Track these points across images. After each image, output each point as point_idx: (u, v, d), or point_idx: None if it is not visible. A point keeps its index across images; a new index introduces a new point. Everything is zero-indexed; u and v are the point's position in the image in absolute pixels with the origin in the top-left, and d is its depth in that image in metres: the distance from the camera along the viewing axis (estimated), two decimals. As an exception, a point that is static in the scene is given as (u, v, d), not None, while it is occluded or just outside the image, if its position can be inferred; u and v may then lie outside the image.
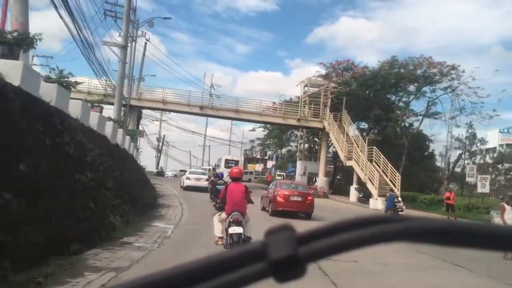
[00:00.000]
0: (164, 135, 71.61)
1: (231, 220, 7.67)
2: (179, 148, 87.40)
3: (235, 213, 7.73)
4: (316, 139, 44.80)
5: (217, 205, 10.30)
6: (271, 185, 20.37)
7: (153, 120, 70.41)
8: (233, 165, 43.13)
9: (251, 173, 55.56)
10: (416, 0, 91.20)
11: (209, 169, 41.99)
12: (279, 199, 17.17)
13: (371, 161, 31.27)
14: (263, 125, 52.94)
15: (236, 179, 8.24)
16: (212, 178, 22.95)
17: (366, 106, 39.14)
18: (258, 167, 61.25)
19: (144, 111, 41.22)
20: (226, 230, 7.73)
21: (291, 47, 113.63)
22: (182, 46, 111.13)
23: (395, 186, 29.36)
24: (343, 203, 31.86)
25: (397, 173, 29.68)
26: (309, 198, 17.74)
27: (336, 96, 38.61)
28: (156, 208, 17.95)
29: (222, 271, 0.46)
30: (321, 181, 37.58)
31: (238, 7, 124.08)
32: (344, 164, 34.36)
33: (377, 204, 28.45)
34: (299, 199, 17.38)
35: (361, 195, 32.07)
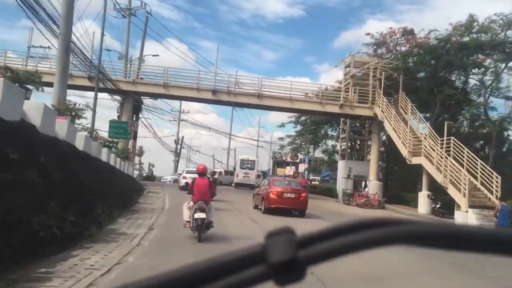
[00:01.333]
0: (182, 137, 63.63)
1: (196, 207, 9.39)
2: (202, 152, 79.11)
3: (200, 201, 9.49)
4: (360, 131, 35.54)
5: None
6: (263, 182, 19.96)
7: (170, 120, 63.25)
8: (249, 166, 37.57)
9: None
10: (447, 2, 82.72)
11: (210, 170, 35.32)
12: (272, 196, 16.60)
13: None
14: (293, 119, 44.20)
15: (201, 174, 10.18)
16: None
17: (431, 88, 29.71)
18: (289, 170, 52.28)
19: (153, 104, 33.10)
20: (193, 216, 9.39)
21: (319, 52, 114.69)
22: (210, 54, 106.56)
23: (491, 192, 19.95)
24: (412, 217, 22.45)
25: (494, 174, 20.21)
26: (303, 194, 17.20)
27: (387, 77, 29.41)
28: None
29: (222, 274, 0.46)
30: (373, 186, 28.24)
31: (264, 14, 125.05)
32: (408, 161, 24.96)
33: (467, 219, 19.10)
34: (293, 196, 16.88)
35: (437, 206, 22.62)
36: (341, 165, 33.58)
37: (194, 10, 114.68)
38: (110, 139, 20.13)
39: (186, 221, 9.69)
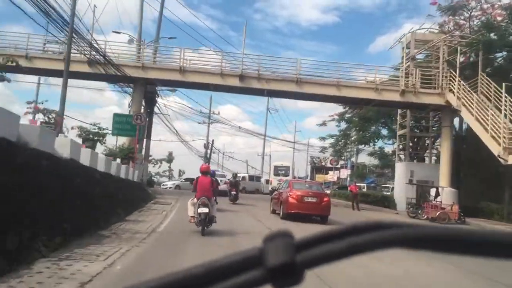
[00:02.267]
0: (212, 140, 58.43)
1: (200, 203, 10.05)
2: (235, 158, 73.56)
3: (203, 198, 10.15)
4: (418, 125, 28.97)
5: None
6: (281, 185, 18.53)
7: (199, 123, 58.28)
8: (283, 172, 36.85)
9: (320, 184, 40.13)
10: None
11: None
12: (291, 200, 15.18)
13: None
14: (336, 117, 38.02)
15: (204, 173, 10.75)
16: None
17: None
18: (332, 176, 45.96)
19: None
20: (196, 211, 10.03)
21: (354, 58, 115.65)
22: (244, 62, 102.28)
23: None
24: None
25: None
26: (325, 199, 15.65)
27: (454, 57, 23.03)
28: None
29: (219, 278, 0.46)
30: (448, 195, 21.71)
31: (299, 21, 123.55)
32: (503, 161, 18.35)
33: None
34: (314, 200, 15.35)
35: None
36: (401, 168, 27.15)
37: (229, 19, 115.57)
38: (95, 130, 14.94)
39: (191, 216, 10.29)
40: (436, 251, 0.46)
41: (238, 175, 32.55)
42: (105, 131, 17.53)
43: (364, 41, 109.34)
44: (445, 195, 21.68)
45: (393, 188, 43.88)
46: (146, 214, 13.75)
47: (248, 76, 23.01)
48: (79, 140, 14.89)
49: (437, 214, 19.69)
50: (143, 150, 25.24)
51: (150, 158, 74.18)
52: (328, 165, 66.59)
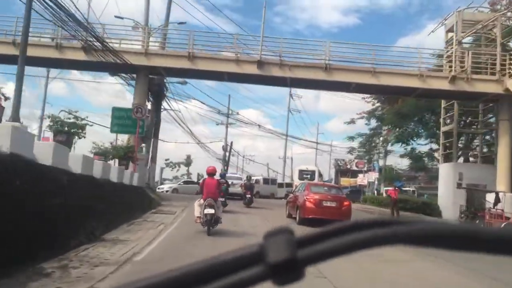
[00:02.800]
0: (231, 142, 55.38)
1: (206, 204, 10.21)
2: (256, 161, 70.25)
3: (209, 199, 10.29)
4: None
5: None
6: (297, 188, 17.03)
7: (217, 124, 55.28)
8: (308, 176, 33.60)
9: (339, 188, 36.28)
10: None
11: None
12: (309, 204, 14.03)
13: None
14: (364, 115, 34.47)
15: (210, 174, 10.98)
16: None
17: None
18: (362, 179, 42.17)
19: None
20: (203, 212, 10.21)
21: (377, 60, 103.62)
22: (263, 48, 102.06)
23: None
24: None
25: None
26: (345, 203, 14.49)
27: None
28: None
29: (220, 274, 0.46)
30: (510, 202, 17.91)
31: (319, 24, 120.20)
32: None
33: None
34: (334, 204, 14.25)
35: None
36: (446, 170, 23.40)
37: (248, 23, 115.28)
38: (71, 120, 11.84)
39: (197, 217, 10.44)
40: (436, 247, 0.46)
41: (253, 178, 29.80)
42: (84, 122, 14.32)
43: (385, 43, 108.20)
44: (508, 201, 17.89)
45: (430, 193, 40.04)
46: (136, 229, 10.55)
47: (268, 63, 19.66)
48: (50, 134, 11.86)
49: (502, 225, 15.95)
50: (150, 151, 22.17)
51: (167, 161, 72.17)
52: (354, 168, 62.90)
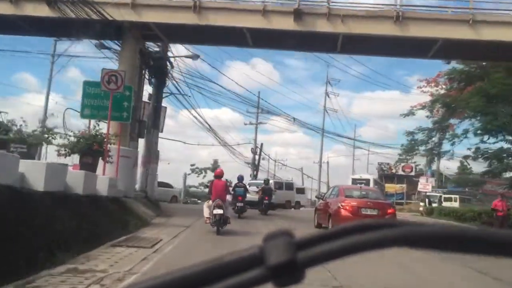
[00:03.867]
0: (261, 144, 49.06)
1: (215, 205, 10.49)
2: (289, 166, 63.31)
3: (218, 200, 10.61)
4: None
5: (236, 207, 15.02)
6: (329, 193, 14.90)
7: (246, 124, 49.22)
8: (363, 185, 27.29)
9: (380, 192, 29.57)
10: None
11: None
12: (344, 212, 11.94)
13: None
14: (426, 104, 27.52)
15: (218, 176, 11.42)
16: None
17: None
18: (425, 185, 35.10)
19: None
20: (212, 212, 10.53)
21: (409, 64, 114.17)
22: (296, 72, 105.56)
23: None
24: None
25: None
26: (390, 211, 12.29)
27: None
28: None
29: (220, 276, 0.46)
30: None
31: None
32: None
33: None
34: (375, 212, 12.00)
35: None
36: None
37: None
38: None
39: (206, 217, 10.84)
40: (439, 250, 0.47)
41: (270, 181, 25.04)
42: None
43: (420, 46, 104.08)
44: None
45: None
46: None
47: (310, 13, 13.30)
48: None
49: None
50: (144, 146, 16.19)
51: (193, 167, 66.76)
52: (400, 172, 55.55)
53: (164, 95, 18.26)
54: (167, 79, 17.42)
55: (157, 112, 16.85)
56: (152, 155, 16.62)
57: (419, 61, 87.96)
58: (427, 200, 33.91)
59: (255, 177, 46.74)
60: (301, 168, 64.37)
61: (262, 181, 28.47)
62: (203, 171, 66.00)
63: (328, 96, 51.45)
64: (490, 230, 0.47)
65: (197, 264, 0.47)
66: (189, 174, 61.77)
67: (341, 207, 12.09)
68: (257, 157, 46.59)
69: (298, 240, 0.47)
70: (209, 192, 11.28)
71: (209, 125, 31.14)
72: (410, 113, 28.60)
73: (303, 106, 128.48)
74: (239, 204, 15.07)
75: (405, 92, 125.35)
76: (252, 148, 46.95)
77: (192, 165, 65.79)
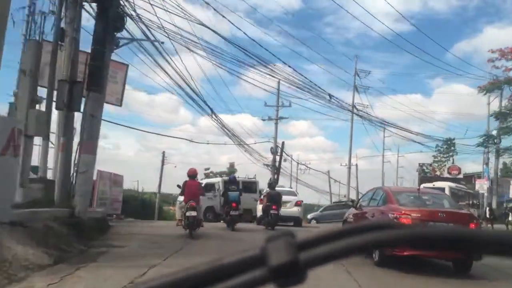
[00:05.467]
0: (283, 143, 41.44)
1: (188, 206, 10.15)
2: (313, 168, 55.52)
3: (191, 201, 10.24)
4: None
5: (228, 217, 12.99)
6: (366, 198, 10.49)
7: (264, 119, 41.73)
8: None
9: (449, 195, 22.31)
10: None
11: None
12: None
13: None
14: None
15: (192, 176, 11.02)
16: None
17: None
18: (481, 184, 28.32)
19: None
20: (184, 214, 10.23)
21: (430, 67, 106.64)
22: (316, 76, 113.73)
23: None
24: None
25: None
26: (472, 225, 8.37)
27: None
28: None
29: (222, 277, 0.47)
30: None
31: (371, 32, 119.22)
32: None
33: None
34: None
35: None
36: None
37: (299, 35, 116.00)
38: None
39: (178, 220, 10.96)
40: (440, 250, 0.48)
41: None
42: None
43: (440, 49, 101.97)
44: None
45: None
46: None
47: None
48: None
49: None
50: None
51: (207, 171, 59.74)
52: (446, 175, 47.59)
53: (121, 45, 11.13)
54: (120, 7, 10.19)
55: (98, 65, 9.58)
56: (88, 138, 9.36)
57: (438, 64, 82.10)
58: (487, 209, 26.06)
59: (276, 181, 39.35)
60: (328, 171, 56.77)
61: (286, 189, 21.39)
62: (218, 175, 59.10)
63: (357, 91, 44.16)
64: (480, 230, 0.48)
65: (200, 265, 0.47)
66: (202, 179, 55.04)
67: (398, 219, 7.74)
68: (277, 158, 39.02)
69: (300, 241, 0.47)
70: (182, 193, 10.94)
71: (211, 109, 23.86)
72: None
73: (323, 109, 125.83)
74: (232, 213, 12.82)
75: (427, 95, 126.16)
76: (271, 148, 39.22)
77: (206, 169, 58.96)
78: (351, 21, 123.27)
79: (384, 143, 52.71)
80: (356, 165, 50.26)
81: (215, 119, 26.16)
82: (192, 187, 10.64)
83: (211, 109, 23.50)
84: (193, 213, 10.02)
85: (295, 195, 19.38)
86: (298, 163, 52.95)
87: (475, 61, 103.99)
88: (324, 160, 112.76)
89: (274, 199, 14.53)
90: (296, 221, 17.82)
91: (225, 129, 29.14)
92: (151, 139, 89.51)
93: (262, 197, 16.13)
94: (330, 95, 25.19)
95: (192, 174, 11.06)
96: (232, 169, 58.42)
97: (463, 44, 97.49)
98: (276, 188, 19.48)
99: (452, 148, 44.60)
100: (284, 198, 15.98)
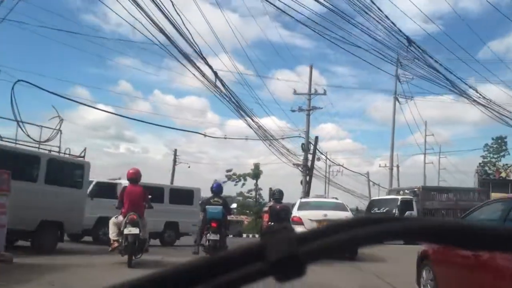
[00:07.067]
0: (316, 137, 33.89)
1: (127, 221, 7.60)
2: (348, 168, 48.04)
3: (131, 214, 7.67)
4: None
5: (207, 241, 9.15)
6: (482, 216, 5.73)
7: (294, 110, 34.10)
8: None
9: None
10: None
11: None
12: None
13: None
14: None
15: (132, 180, 8.32)
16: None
17: None
18: None
19: None
20: (122, 232, 7.59)
21: (462, 67, 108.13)
22: (344, 79, 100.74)
23: None
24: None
25: None
26: None
27: None
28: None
29: (222, 271, 0.47)
30: None
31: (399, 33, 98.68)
32: None
33: None
34: None
35: None
36: None
37: (326, 36, 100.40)
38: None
39: (114, 240, 7.92)
40: (437, 243, 0.49)
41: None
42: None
43: (471, 49, 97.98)
44: None
45: None
46: None
47: None
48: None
49: None
50: None
51: (229, 173, 53.00)
52: (513, 177, 39.19)
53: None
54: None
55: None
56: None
57: (470, 64, 79.13)
58: None
59: (308, 185, 31.86)
60: (367, 172, 49.00)
61: (325, 199, 14.33)
62: (241, 178, 52.26)
63: (399, 81, 36.59)
64: (490, 225, 0.48)
65: (200, 258, 0.47)
66: (224, 182, 48.23)
67: None
68: (310, 156, 31.59)
69: (299, 235, 0.47)
70: (119, 204, 8.23)
71: (230, 92, 16.87)
72: None
73: (354, 113, 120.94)
74: (211, 237, 8.95)
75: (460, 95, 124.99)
76: (302, 144, 31.78)
77: (228, 170, 52.36)
78: (378, 23, 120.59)
79: (425, 142, 45.35)
80: (398, 166, 42.85)
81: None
82: (134, 195, 8.18)
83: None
84: (134, 231, 7.56)
85: (346, 209, 12.21)
86: (329, 161, 45.16)
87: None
88: (353, 163, 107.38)
89: (279, 216, 10.46)
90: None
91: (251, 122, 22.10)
92: (180, 143, 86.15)
93: (265, 210, 11.64)
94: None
95: (133, 177, 8.53)
96: (256, 170, 51.65)
97: (496, 43, 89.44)
98: (315, 198, 12.57)
99: (504, 147, 39.68)
100: (329, 214, 10.80)
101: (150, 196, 8.84)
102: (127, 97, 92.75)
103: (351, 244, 0.47)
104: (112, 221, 8.24)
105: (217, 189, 10.17)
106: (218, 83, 14.80)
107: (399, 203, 21.96)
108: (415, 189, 27.40)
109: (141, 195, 8.36)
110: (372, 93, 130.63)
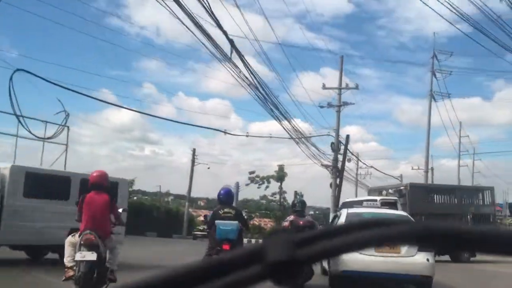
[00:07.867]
0: (347, 136, 30.81)
1: (81, 242, 5.49)
2: (379, 170, 44.59)
3: (88, 232, 5.54)
4: None
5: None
6: None
7: (322, 107, 30.88)
8: None
9: None
10: None
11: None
12: None
13: None
14: None
15: (96, 186, 6.05)
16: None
17: None
18: None
19: None
20: (75, 256, 5.67)
21: (491, 69, 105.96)
22: (369, 81, 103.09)
23: None
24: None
25: None
26: None
27: None
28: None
29: (219, 274, 0.47)
30: None
31: (425, 35, 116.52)
32: None
33: None
34: None
35: None
36: None
37: (350, 38, 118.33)
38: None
39: (68, 268, 5.65)
40: (435, 247, 0.54)
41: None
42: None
43: (500, 49, 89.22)
44: None
45: None
46: None
47: None
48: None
49: None
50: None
51: (252, 175, 50.01)
52: None
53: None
54: None
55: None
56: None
57: (499, 65, 78.22)
58: None
59: (337, 188, 28.62)
60: (400, 175, 45.42)
61: (378, 208, 11.02)
62: (265, 180, 49.24)
63: (435, 77, 33.38)
64: (476, 227, 0.48)
65: (198, 261, 0.48)
66: (247, 185, 45.45)
67: None
68: (340, 156, 28.54)
69: (297, 238, 0.47)
70: (79, 217, 5.85)
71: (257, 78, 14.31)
72: None
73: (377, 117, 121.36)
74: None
75: (488, 98, 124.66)
76: (332, 143, 28.66)
77: (251, 172, 49.28)
78: (404, 24, 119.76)
79: (460, 144, 41.60)
80: (432, 168, 39.34)
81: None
82: (94, 206, 5.75)
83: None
84: (89, 257, 5.35)
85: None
86: (360, 161, 41.85)
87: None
88: (378, 166, 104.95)
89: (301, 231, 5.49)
90: (421, 283, 7.91)
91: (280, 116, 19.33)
92: (203, 145, 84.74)
93: (285, 223, 9.05)
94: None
95: (96, 182, 6.04)
96: (281, 172, 48.57)
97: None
98: (367, 208, 9.76)
99: None
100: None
101: (77, 200, 6.35)
102: (151, 98, 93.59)
103: (349, 247, 0.46)
104: (68, 240, 5.93)
105: (225, 197, 7.35)
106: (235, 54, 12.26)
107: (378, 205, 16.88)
108: (401, 188, 21.91)
109: (105, 206, 5.96)
110: (398, 95, 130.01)
